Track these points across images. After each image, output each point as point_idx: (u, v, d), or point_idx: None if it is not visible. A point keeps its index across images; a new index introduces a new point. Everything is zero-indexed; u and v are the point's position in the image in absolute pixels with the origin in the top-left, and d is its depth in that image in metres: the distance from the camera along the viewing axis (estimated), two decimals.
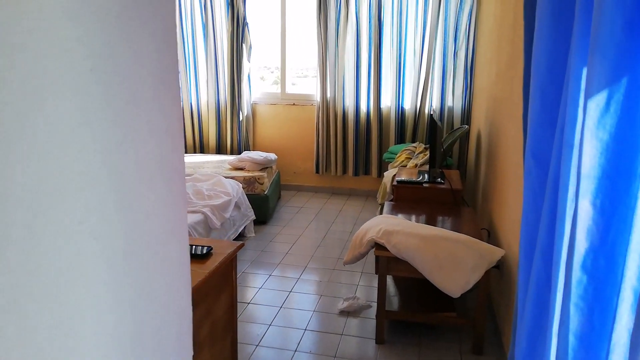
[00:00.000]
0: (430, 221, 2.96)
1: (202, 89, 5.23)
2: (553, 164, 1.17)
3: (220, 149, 5.31)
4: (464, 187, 3.97)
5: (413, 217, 3.01)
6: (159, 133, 0.86)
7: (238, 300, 2.87)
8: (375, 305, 2.82)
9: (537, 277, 1.19)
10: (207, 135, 5.32)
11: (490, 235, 2.97)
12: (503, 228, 2.66)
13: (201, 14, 5.03)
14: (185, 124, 5.31)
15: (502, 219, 2.71)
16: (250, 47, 5.05)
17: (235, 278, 1.79)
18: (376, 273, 2.52)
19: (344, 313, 2.78)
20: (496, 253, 2.34)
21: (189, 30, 5.10)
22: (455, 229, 2.78)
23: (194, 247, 1.68)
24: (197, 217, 3.04)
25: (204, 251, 1.64)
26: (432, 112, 3.38)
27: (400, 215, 2.99)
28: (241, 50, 4.99)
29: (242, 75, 5.05)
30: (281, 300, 2.92)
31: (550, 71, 1.24)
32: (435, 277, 2.28)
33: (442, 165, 3.50)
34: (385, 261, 2.43)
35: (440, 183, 3.36)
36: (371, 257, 2.61)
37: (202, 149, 5.34)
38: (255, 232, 3.96)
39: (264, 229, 4.10)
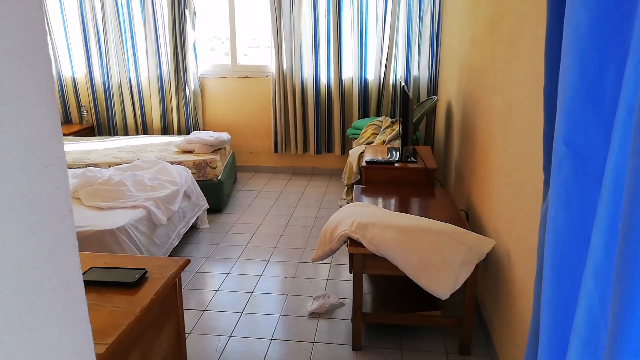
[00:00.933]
0: (405, 205, 2.66)
1: (141, 62, 4.63)
2: (613, 156, 0.85)
3: (165, 130, 4.78)
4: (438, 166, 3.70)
5: (385, 202, 2.70)
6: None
7: (191, 308, 2.49)
8: (348, 302, 2.53)
9: (588, 305, 0.89)
10: (150, 114, 4.76)
11: (469, 218, 2.72)
12: (486, 212, 2.39)
13: None
14: (125, 101, 4.72)
15: (483, 201, 2.45)
16: (195, 12, 4.49)
17: (181, 304, 1.41)
18: (350, 272, 2.21)
19: (315, 315, 2.47)
20: (485, 245, 2.07)
21: None
22: (433, 212, 2.50)
23: (119, 271, 1.27)
24: (139, 213, 2.59)
25: (136, 277, 1.24)
26: (403, 84, 3.04)
27: (366, 200, 2.68)
28: (184, 17, 4.43)
29: (186, 44, 4.50)
30: (242, 304, 2.56)
31: (592, 32, 0.91)
32: (420, 277, 1.99)
33: (412, 141, 3.19)
34: (361, 259, 2.11)
35: (413, 162, 3.06)
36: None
37: (145, 130, 4.79)
38: (209, 223, 3.55)
39: (219, 218, 3.69)
